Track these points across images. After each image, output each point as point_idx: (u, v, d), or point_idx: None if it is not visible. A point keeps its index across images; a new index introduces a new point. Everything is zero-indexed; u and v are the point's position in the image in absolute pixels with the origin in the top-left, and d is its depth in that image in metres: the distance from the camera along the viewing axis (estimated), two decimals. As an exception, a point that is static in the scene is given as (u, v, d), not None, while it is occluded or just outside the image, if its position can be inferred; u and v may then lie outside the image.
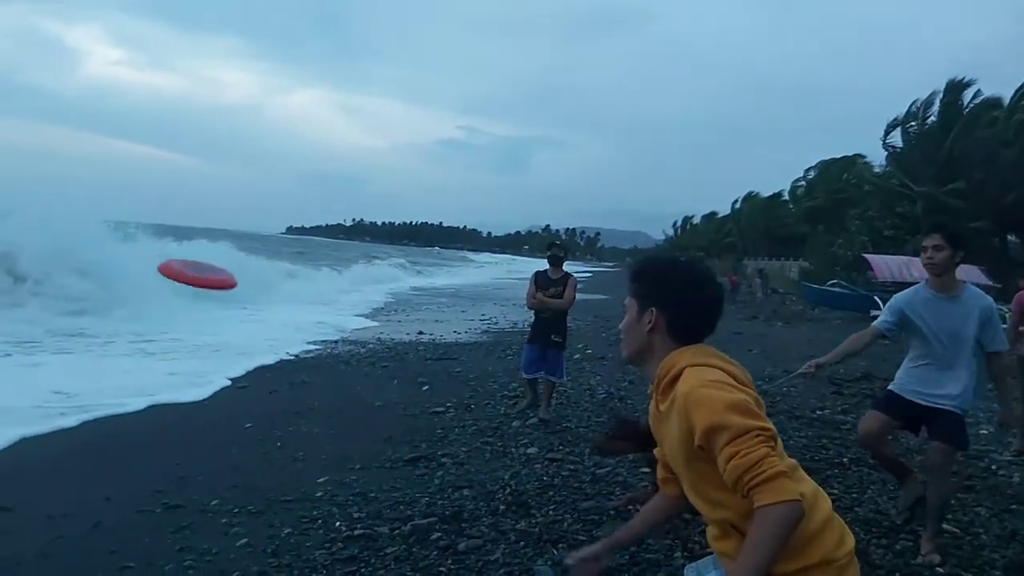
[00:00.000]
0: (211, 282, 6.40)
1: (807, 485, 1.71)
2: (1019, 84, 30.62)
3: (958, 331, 3.76)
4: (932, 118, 33.41)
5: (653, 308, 1.86)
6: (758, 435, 1.57)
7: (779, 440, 1.65)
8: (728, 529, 1.73)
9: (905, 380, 4.00)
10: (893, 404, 4.04)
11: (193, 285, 6.15)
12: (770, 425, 1.61)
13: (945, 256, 3.77)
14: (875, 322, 4.09)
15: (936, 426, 3.81)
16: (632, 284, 1.96)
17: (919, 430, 4.12)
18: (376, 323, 15.94)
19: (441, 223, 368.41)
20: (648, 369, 1.89)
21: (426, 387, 8.38)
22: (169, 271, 6.20)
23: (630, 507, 4.20)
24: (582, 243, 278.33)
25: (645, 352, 1.90)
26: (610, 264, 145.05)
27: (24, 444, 5.65)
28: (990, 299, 3.86)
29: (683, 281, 1.87)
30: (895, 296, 4.06)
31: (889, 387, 4.13)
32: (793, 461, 1.72)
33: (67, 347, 10.31)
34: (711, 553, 3.75)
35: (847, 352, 4.09)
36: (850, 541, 1.72)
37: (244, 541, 3.93)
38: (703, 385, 1.66)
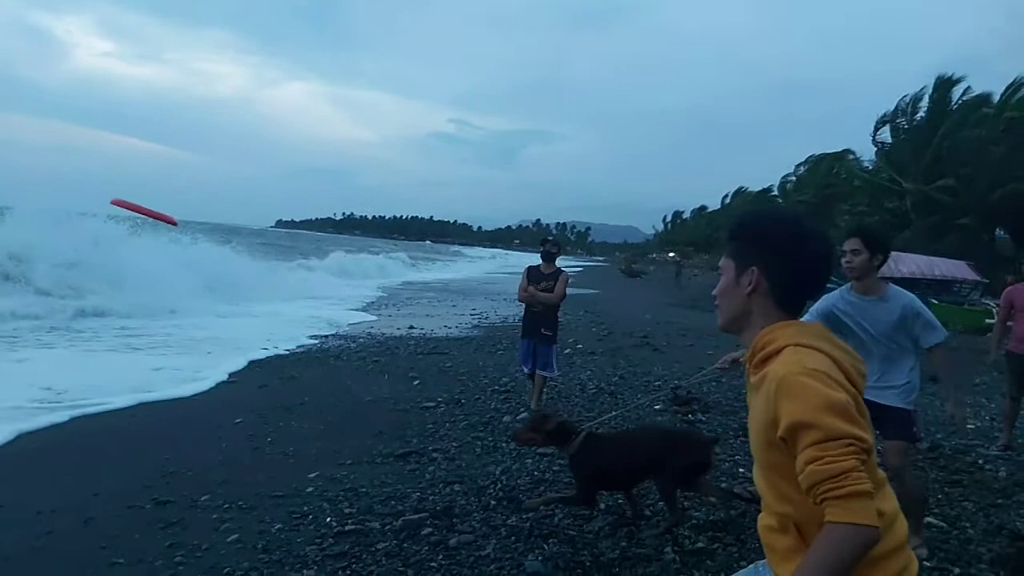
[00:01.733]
0: (157, 215, 6.76)
1: (889, 503, 1.54)
2: (1009, 81, 30.80)
3: (886, 331, 3.81)
4: (921, 114, 33.55)
5: (754, 267, 1.64)
6: (850, 444, 1.38)
7: (874, 453, 1.46)
8: (788, 526, 1.55)
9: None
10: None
11: (141, 213, 6.48)
12: (867, 435, 1.41)
13: (863, 259, 3.81)
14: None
15: (887, 425, 3.80)
16: (730, 243, 1.74)
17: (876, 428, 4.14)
18: (367, 318, 15.90)
19: (432, 217, 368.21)
20: (746, 338, 1.69)
21: (417, 382, 8.38)
22: (121, 202, 6.54)
23: (543, 507, 4.20)
24: (573, 238, 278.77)
25: (743, 318, 1.69)
26: (601, 258, 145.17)
27: (15, 440, 5.62)
28: (911, 296, 3.87)
29: (789, 236, 1.65)
30: (823, 297, 4.07)
31: None
32: (883, 475, 1.57)
33: (50, 341, 10.23)
34: (701, 547, 3.78)
35: None
36: (913, 570, 1.54)
37: (235, 537, 3.93)
38: (801, 372, 1.45)
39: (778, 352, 1.55)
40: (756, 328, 1.65)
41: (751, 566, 1.80)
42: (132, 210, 6.65)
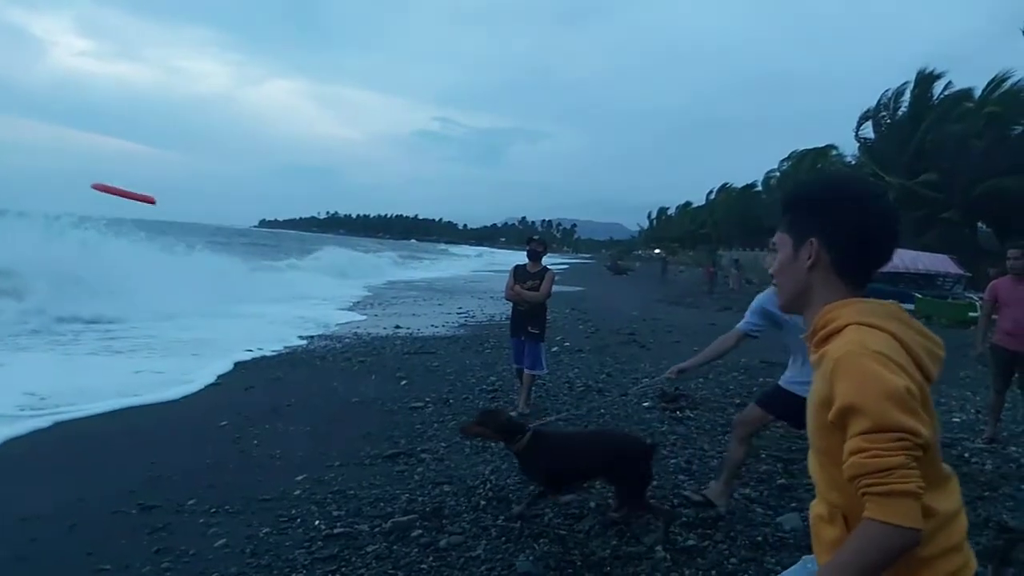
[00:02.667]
0: (136, 196, 6.94)
1: (947, 502, 1.43)
2: (990, 76, 31.10)
3: None
4: (903, 109, 33.85)
5: (813, 239, 1.53)
6: (902, 439, 1.28)
7: (932, 449, 1.35)
8: (836, 516, 1.46)
9: (791, 375, 4.14)
10: (777, 399, 4.17)
11: (122, 196, 6.65)
12: (923, 429, 1.30)
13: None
14: (739, 324, 4.25)
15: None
16: (785, 216, 1.63)
17: (803, 424, 4.18)
18: (353, 317, 15.82)
19: (417, 215, 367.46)
20: (808, 317, 1.57)
21: (404, 382, 8.34)
22: (101, 186, 6.70)
23: (516, 522, 4.15)
24: (559, 235, 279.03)
25: (804, 295, 1.57)
26: (587, 256, 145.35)
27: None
28: None
29: (848, 199, 1.53)
30: (757, 297, 4.20)
31: (778, 382, 4.24)
32: (947, 470, 1.47)
33: (27, 345, 10.09)
34: (692, 544, 3.78)
35: (713, 356, 4.31)
36: (970, 572, 1.46)
37: (222, 542, 3.89)
38: (862, 353, 1.35)
39: (840, 331, 1.45)
40: (818, 305, 1.53)
41: (799, 562, 1.74)
42: (113, 193, 6.82)
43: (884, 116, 34.64)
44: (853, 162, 40.31)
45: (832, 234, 1.52)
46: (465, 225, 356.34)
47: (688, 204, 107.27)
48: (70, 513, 4.26)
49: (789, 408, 3.98)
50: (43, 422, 6.19)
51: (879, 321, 1.42)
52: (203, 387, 7.93)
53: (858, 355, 1.35)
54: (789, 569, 1.73)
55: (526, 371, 7.00)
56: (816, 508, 1.54)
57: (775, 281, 1.66)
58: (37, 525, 4.10)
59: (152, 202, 7.54)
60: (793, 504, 4.50)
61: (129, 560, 3.67)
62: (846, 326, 1.44)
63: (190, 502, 4.46)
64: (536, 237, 7.50)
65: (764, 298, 4.11)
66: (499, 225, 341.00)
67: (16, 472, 5.08)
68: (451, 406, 7.17)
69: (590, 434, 5.12)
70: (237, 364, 9.29)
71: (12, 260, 14.55)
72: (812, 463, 1.55)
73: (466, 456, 5.51)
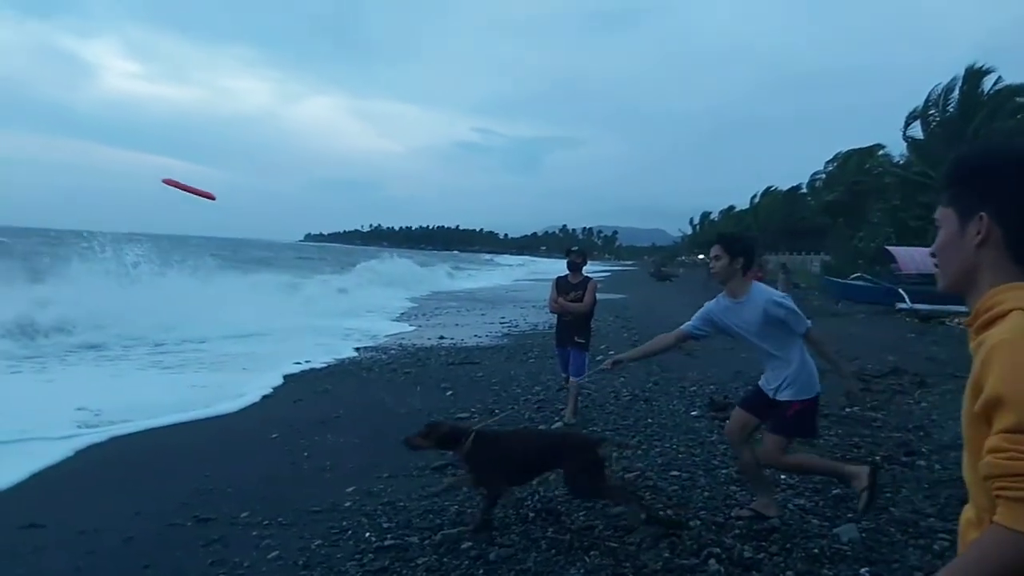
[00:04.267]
0: (199, 192, 7.71)
1: None
2: (1041, 69, 30.14)
3: (757, 330, 4.04)
4: (952, 107, 32.96)
5: (983, 213, 1.37)
6: None
7: None
8: (984, 520, 1.31)
9: (763, 379, 4.24)
10: (751, 398, 4.32)
11: (188, 192, 7.42)
12: None
13: (723, 264, 4.11)
14: (684, 325, 4.38)
15: (772, 418, 4.10)
16: (948, 189, 1.47)
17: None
18: (398, 328, 15.95)
19: (458, 226, 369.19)
20: (971, 301, 1.42)
21: (449, 392, 8.37)
22: (170, 181, 7.49)
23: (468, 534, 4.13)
24: (600, 242, 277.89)
25: (970, 276, 1.41)
26: (629, 262, 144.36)
27: (57, 461, 5.70)
28: (771, 293, 4.09)
29: None
30: (707, 304, 4.33)
31: (758, 383, 4.33)
32: None
33: (75, 362, 10.36)
34: (748, 556, 3.70)
35: (650, 351, 4.54)
36: None
37: (275, 554, 3.93)
38: (1021, 343, 1.22)
39: (1003, 316, 1.30)
40: (983, 288, 1.38)
41: None
42: (180, 188, 7.51)
43: (933, 115, 33.75)
44: (901, 161, 39.37)
45: (1005, 207, 1.37)
46: (506, 234, 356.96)
47: (731, 208, 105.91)
48: (127, 526, 4.36)
49: (761, 403, 4.17)
50: (99, 437, 6.35)
51: None
52: (254, 401, 8.06)
53: (1016, 344, 1.22)
54: None
55: (572, 379, 6.98)
56: (965, 512, 1.41)
57: (935, 261, 1.49)
58: (95, 538, 4.20)
59: (213, 198, 8.17)
60: (850, 515, 4.37)
61: (185, 572, 3.74)
62: (1011, 311, 1.29)
63: (243, 514, 4.53)
64: (575, 248, 7.49)
65: (712, 306, 4.25)
66: (539, 234, 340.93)
67: (74, 486, 5.22)
68: (496, 417, 7.15)
69: (532, 431, 5.19)
70: (286, 377, 9.43)
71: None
72: (964, 462, 1.39)
73: (514, 467, 5.48)
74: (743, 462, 4.34)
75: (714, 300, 4.26)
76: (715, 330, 4.30)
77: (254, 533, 4.25)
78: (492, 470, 4.21)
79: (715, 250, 4.16)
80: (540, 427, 6.71)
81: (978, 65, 32.49)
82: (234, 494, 4.94)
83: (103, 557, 3.96)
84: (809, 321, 4.07)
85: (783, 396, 4.02)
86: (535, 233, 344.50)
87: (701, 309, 4.32)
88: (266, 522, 4.41)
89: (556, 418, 6.92)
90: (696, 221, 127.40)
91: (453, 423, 4.52)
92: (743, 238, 4.49)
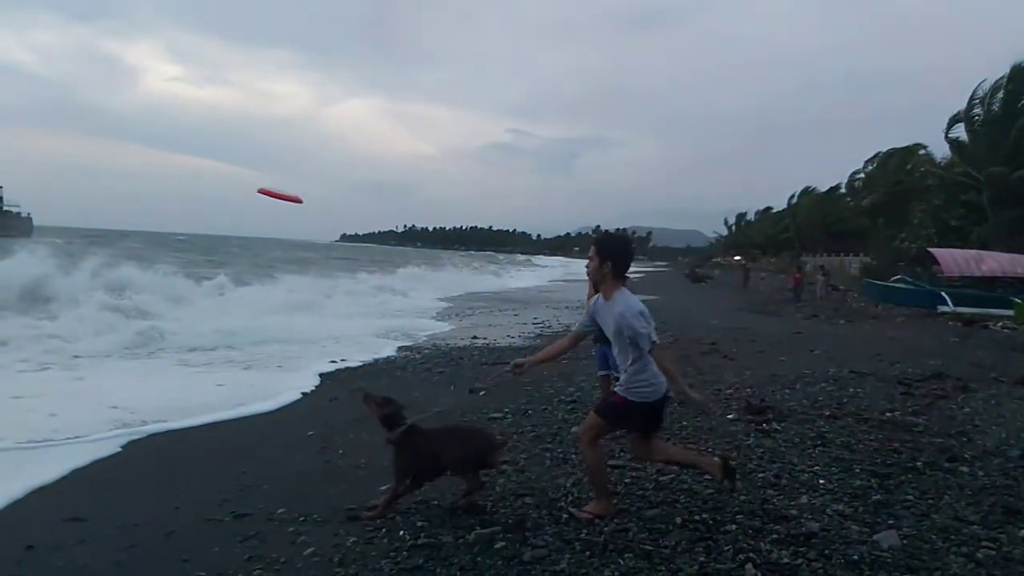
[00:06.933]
0: (289, 197, 8.15)
1: None
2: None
3: (613, 332, 4.18)
4: (996, 106, 32.12)
5: None
6: None
7: None
8: None
9: (623, 380, 4.34)
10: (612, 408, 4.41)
11: (280, 199, 7.89)
12: None
13: (595, 266, 4.29)
14: (575, 326, 4.59)
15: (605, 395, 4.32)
16: None
17: (647, 428, 4.42)
18: (433, 329, 16.03)
19: (491, 227, 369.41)
20: None
21: (483, 392, 8.38)
22: (265, 191, 7.90)
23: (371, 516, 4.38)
24: (634, 243, 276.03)
25: None
26: (663, 264, 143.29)
27: (98, 457, 5.83)
28: (626, 305, 4.11)
29: None
30: (590, 302, 4.52)
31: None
32: None
33: (107, 361, 10.53)
34: (785, 562, 3.64)
35: (551, 355, 4.65)
36: None
37: (311, 550, 3.96)
38: None
39: None
40: None
41: None
42: (273, 196, 7.89)
43: (977, 112, 32.93)
44: (943, 162, 38.52)
45: None
46: (539, 235, 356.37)
47: (768, 209, 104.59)
48: (167, 521, 4.43)
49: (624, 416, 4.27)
50: (138, 434, 6.48)
51: None
52: (290, 399, 8.16)
53: None
54: None
55: (611, 375, 6.95)
56: None
57: None
58: (135, 532, 4.28)
59: (300, 202, 8.56)
60: (891, 521, 4.29)
61: (223, 567, 3.78)
62: None
63: (280, 511, 4.58)
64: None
65: (592, 304, 4.42)
66: (572, 234, 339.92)
67: (115, 482, 5.34)
68: (530, 417, 7.14)
69: (450, 430, 5.17)
70: (322, 376, 9.53)
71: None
72: None
73: (546, 468, 5.47)
74: (590, 461, 4.42)
75: (596, 297, 4.42)
76: (596, 327, 4.42)
77: (290, 529, 4.30)
78: (404, 465, 4.43)
79: (590, 252, 4.36)
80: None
81: (1024, 63, 31.63)
82: (270, 491, 5.00)
83: (144, 550, 4.04)
84: (655, 339, 4.11)
85: (617, 385, 4.28)
86: (568, 233, 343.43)
87: (588, 307, 4.51)
88: (302, 519, 4.45)
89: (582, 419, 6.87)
90: (731, 222, 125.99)
91: (400, 410, 4.61)
92: (612, 241, 4.48)
